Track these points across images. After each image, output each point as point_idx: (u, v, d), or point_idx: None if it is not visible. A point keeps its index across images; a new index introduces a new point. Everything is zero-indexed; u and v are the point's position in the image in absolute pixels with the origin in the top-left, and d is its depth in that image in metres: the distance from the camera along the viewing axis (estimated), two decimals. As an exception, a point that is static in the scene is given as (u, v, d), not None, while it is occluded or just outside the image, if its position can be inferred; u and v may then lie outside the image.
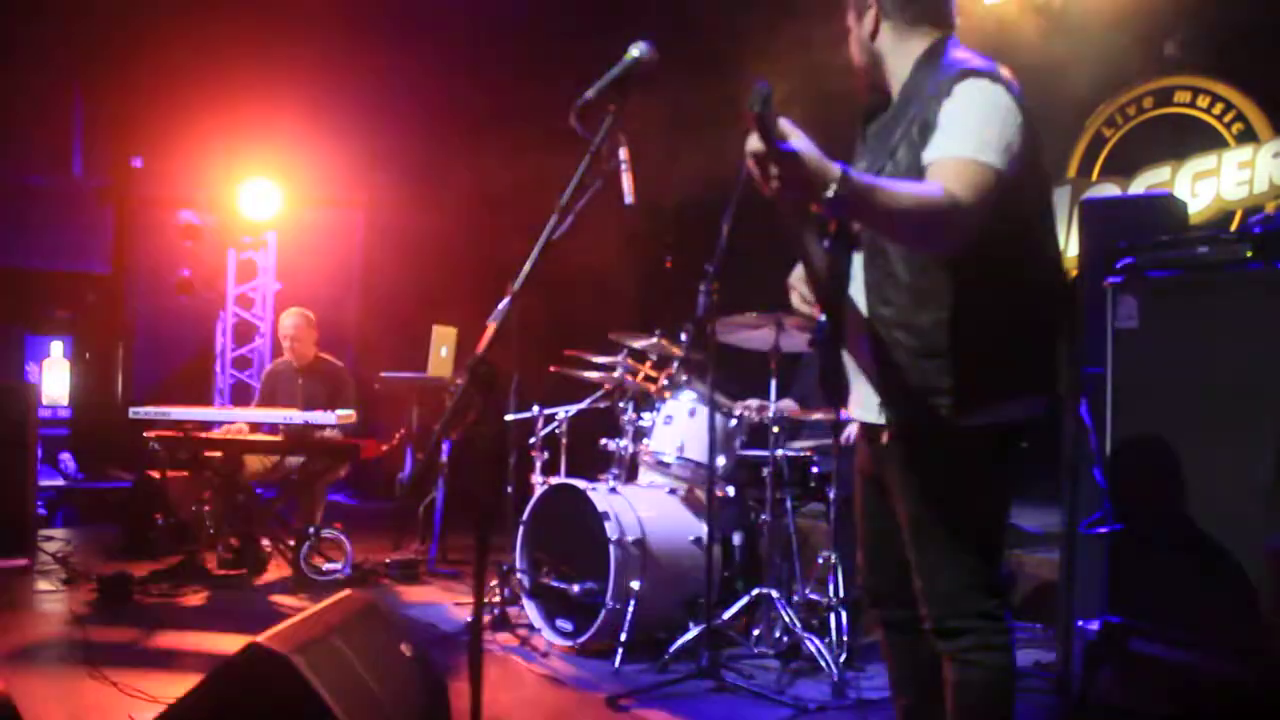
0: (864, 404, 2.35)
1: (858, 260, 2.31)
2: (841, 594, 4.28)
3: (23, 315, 8.93)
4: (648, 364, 5.09)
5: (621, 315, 5.14)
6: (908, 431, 2.23)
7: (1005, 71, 2.21)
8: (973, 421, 2.18)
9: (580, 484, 4.54)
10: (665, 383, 4.85)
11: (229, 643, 3.98)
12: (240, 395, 8.92)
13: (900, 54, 2.32)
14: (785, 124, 1.87)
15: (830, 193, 1.89)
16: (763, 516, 4.49)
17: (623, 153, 2.28)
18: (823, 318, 2.39)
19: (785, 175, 1.86)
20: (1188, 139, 6.68)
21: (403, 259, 8.59)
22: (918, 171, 2.15)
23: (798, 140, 1.88)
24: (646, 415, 4.81)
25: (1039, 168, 2.25)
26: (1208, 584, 3.27)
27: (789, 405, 4.93)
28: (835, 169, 1.91)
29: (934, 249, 2.14)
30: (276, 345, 6.86)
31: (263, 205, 8.60)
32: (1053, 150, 7.03)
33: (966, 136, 2.09)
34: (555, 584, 4.51)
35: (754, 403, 4.88)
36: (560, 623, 4.48)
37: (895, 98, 2.33)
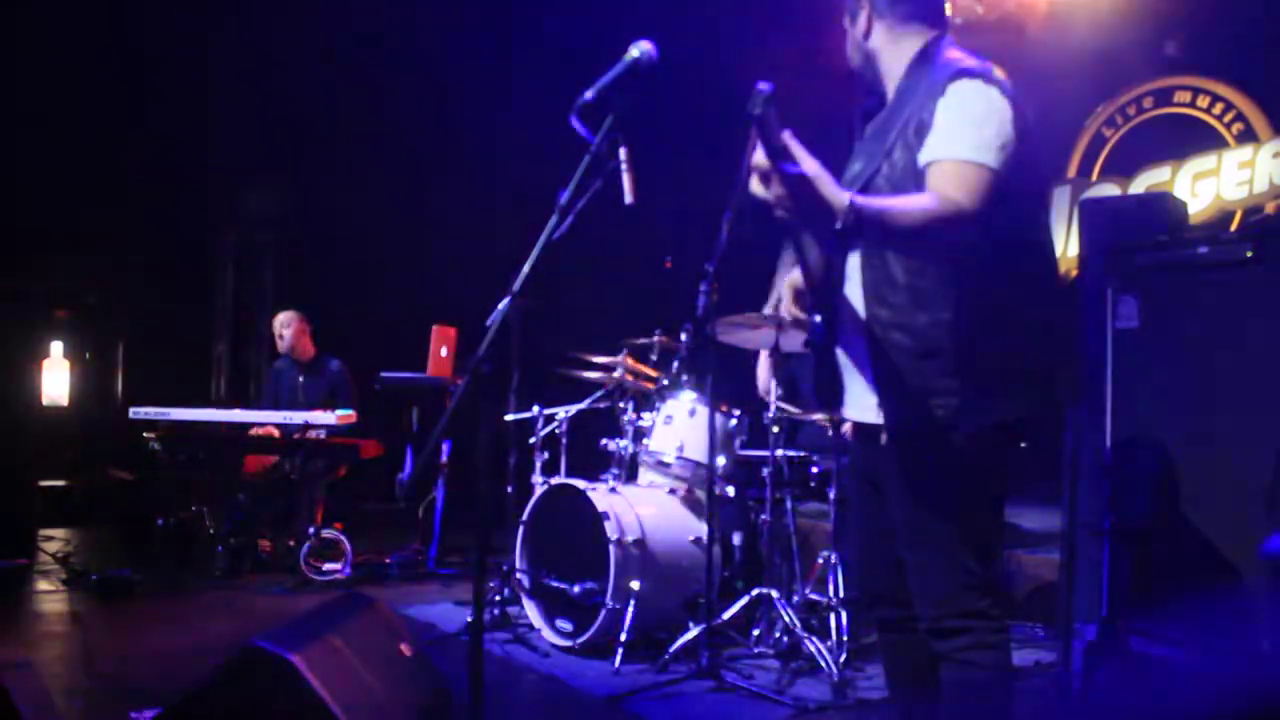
0: (860, 405, 2.34)
1: (854, 260, 2.31)
2: (841, 594, 4.28)
3: (23, 315, 8.92)
4: (647, 364, 5.09)
5: (622, 315, 5.14)
6: (905, 432, 2.23)
7: (998, 72, 2.22)
8: (970, 422, 2.18)
9: (580, 484, 4.54)
10: (665, 383, 4.85)
11: (229, 643, 3.98)
12: (239, 395, 8.92)
13: (894, 54, 2.33)
14: (789, 139, 1.86)
15: (839, 224, 1.91)
16: (763, 516, 4.49)
17: (623, 152, 2.28)
18: (818, 318, 2.39)
19: (793, 200, 1.86)
20: (1188, 139, 6.68)
21: (403, 258, 8.58)
22: (914, 172, 2.16)
23: (807, 162, 1.88)
24: (646, 415, 4.81)
25: (1035, 168, 2.26)
26: (1207, 584, 3.27)
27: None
28: (844, 198, 1.92)
29: (938, 251, 2.15)
30: (276, 345, 6.89)
31: (263, 205, 8.61)
32: (1053, 150, 7.04)
33: (962, 138, 2.11)
34: (555, 584, 4.51)
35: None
36: (560, 623, 4.48)
37: (890, 98, 2.34)
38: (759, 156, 1.87)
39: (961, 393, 2.16)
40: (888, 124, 2.28)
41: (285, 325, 6.64)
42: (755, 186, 1.91)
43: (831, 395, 2.41)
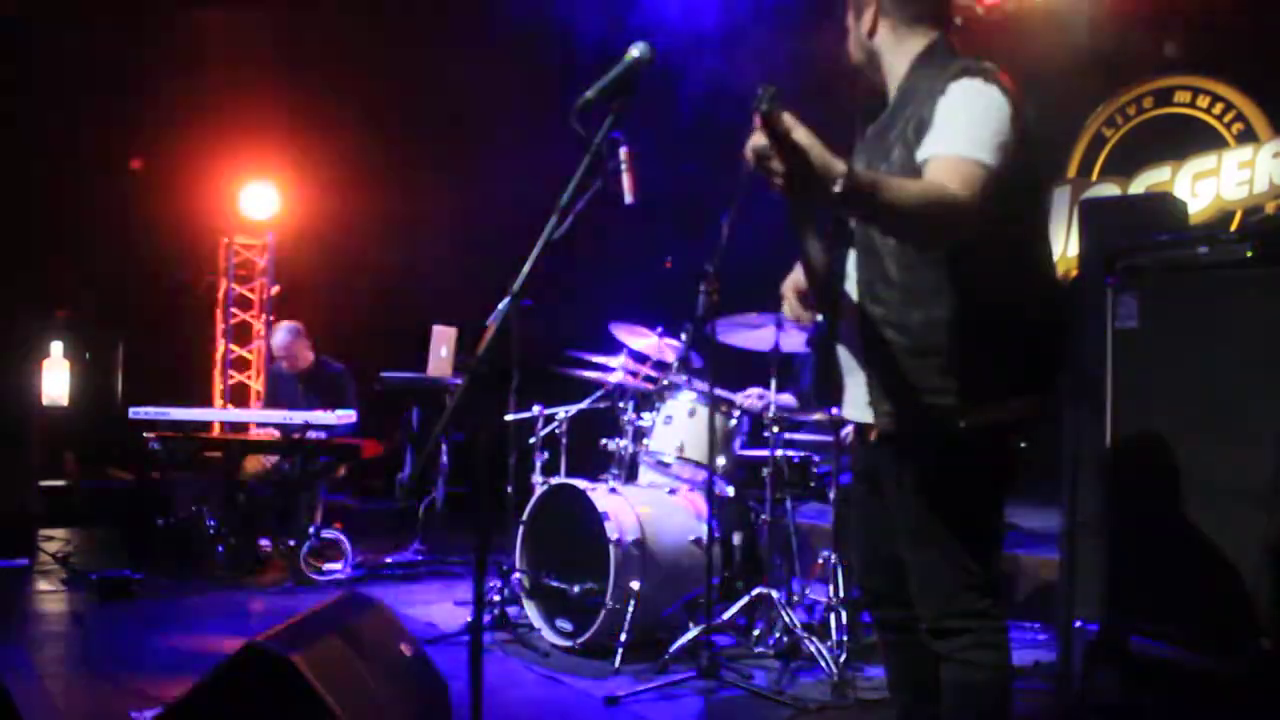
0: (858, 403, 2.34)
1: (852, 258, 2.31)
2: (841, 594, 4.28)
3: (23, 315, 8.91)
4: (648, 364, 5.09)
5: (622, 315, 5.13)
6: (898, 431, 2.23)
7: (1001, 72, 2.22)
8: (963, 421, 2.17)
9: (580, 484, 4.54)
10: (665, 382, 4.85)
11: (229, 643, 3.98)
12: (239, 396, 8.92)
13: (898, 53, 2.33)
14: (789, 118, 1.87)
15: (836, 189, 1.90)
16: (763, 516, 4.49)
17: (623, 152, 2.28)
18: (819, 317, 2.39)
19: (789, 171, 1.86)
20: (1188, 139, 6.69)
21: (402, 259, 8.59)
22: (913, 170, 2.15)
23: (802, 135, 1.88)
24: (646, 415, 4.81)
25: (1033, 169, 2.25)
26: (1208, 584, 3.27)
27: (788, 400, 4.94)
28: (839, 165, 1.91)
29: (931, 245, 2.14)
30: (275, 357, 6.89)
31: (263, 205, 8.61)
32: (1053, 150, 7.04)
33: (961, 134, 2.10)
34: (555, 584, 4.51)
35: (755, 391, 4.91)
36: (560, 623, 4.48)
37: (892, 97, 2.34)
38: (758, 138, 1.86)
39: (956, 392, 2.16)
40: (889, 123, 2.28)
41: (284, 349, 6.53)
42: (752, 164, 1.90)
43: (830, 393, 2.41)
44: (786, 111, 1.86)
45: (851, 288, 2.30)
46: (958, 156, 2.07)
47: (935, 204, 2.01)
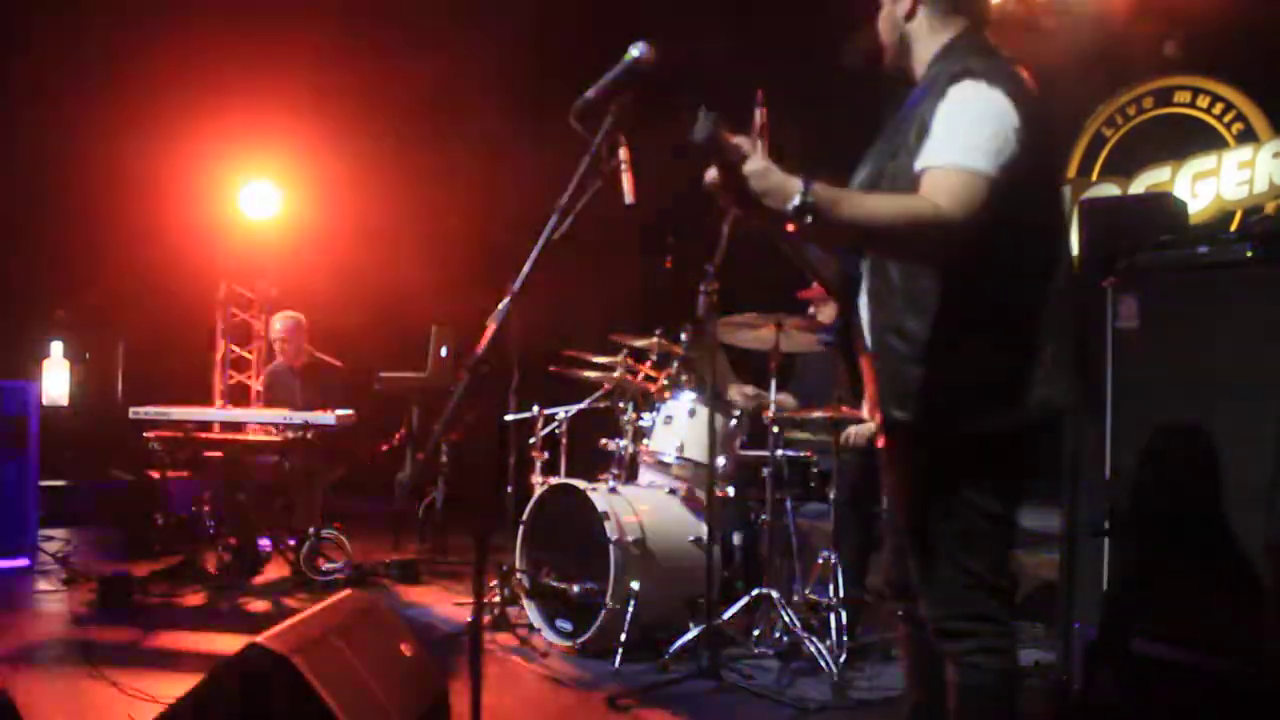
0: (870, 405, 2.35)
1: (865, 265, 2.30)
2: (841, 594, 4.28)
3: (23, 315, 8.92)
4: (647, 364, 5.09)
5: (621, 315, 5.14)
6: (898, 433, 2.23)
7: (1013, 70, 2.17)
8: (953, 428, 2.16)
9: (580, 484, 4.54)
10: (665, 383, 4.85)
11: (229, 643, 3.98)
12: (238, 396, 8.92)
13: (928, 41, 2.29)
14: (741, 142, 1.85)
15: (791, 207, 1.88)
16: (763, 516, 4.49)
17: (622, 152, 2.28)
18: (839, 320, 2.40)
19: (737, 192, 1.86)
20: (1188, 139, 6.68)
21: (402, 258, 8.59)
22: (912, 178, 2.10)
23: (755, 161, 1.86)
24: (646, 415, 4.81)
25: (1043, 171, 2.19)
26: (1208, 584, 3.27)
27: (787, 400, 4.94)
28: (795, 183, 1.89)
29: (919, 260, 2.12)
30: (274, 349, 6.88)
31: (263, 205, 8.61)
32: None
33: (955, 142, 2.05)
34: (555, 584, 4.51)
35: (749, 390, 4.91)
36: (560, 623, 4.48)
37: (916, 89, 2.30)
38: (711, 175, 1.87)
39: (952, 398, 2.14)
40: (902, 122, 2.23)
41: (283, 334, 6.56)
42: (712, 193, 1.91)
43: (860, 393, 2.41)
44: (731, 135, 1.84)
45: (863, 293, 2.30)
46: (950, 167, 2.02)
47: (916, 222, 1.98)
